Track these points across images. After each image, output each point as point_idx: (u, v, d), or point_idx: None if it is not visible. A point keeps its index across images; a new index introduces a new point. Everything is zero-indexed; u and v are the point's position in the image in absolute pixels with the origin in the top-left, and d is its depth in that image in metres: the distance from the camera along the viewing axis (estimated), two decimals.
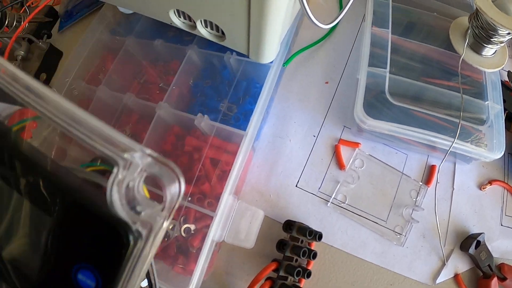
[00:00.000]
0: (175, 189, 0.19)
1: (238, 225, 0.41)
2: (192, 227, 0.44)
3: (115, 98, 0.49)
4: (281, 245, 0.42)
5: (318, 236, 0.43)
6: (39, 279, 0.22)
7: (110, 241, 0.19)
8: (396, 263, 0.45)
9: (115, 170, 0.18)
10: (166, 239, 0.44)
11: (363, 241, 0.45)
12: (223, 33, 0.43)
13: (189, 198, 0.42)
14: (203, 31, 0.44)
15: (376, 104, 0.45)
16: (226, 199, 0.39)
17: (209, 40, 0.45)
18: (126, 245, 0.18)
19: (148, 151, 0.19)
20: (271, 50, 0.42)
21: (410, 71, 0.48)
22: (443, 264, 0.45)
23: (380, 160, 0.48)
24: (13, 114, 0.25)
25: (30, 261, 0.22)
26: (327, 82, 0.53)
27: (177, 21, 0.44)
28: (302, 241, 0.43)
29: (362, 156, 0.48)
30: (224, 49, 0.47)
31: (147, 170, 0.19)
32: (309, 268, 0.42)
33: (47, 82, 0.60)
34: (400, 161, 0.48)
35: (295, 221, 0.43)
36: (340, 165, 0.47)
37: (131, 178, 0.18)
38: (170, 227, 0.44)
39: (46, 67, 0.62)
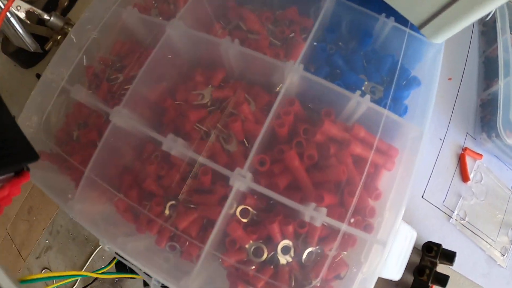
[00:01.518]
0: None
1: (397, 251, 0.33)
2: (314, 250, 0.34)
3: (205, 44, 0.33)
4: (421, 272, 0.36)
5: (450, 257, 0.38)
6: None
7: None
8: (496, 284, 0.44)
9: None
10: (272, 266, 0.33)
11: (475, 261, 0.43)
12: None
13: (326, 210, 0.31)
14: None
15: None
16: (399, 225, 0.30)
17: None
18: None
19: None
20: (454, 28, 0.33)
21: None
22: None
23: (495, 176, 0.45)
24: None
25: None
26: (450, 79, 0.47)
27: None
28: (435, 265, 0.38)
29: (482, 169, 0.45)
30: (379, 9, 0.36)
31: None
32: None
33: None
34: (509, 179, 0.47)
35: (436, 243, 0.37)
36: (464, 178, 0.43)
37: None
38: (280, 247, 0.33)
39: None
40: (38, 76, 0.52)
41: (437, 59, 0.36)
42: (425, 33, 0.34)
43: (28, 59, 0.52)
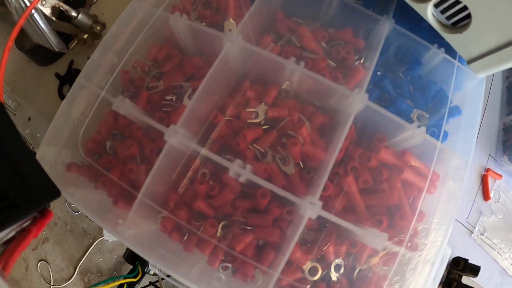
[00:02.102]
0: None
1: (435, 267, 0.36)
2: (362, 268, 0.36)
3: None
4: (450, 285, 0.40)
5: (475, 270, 0.42)
6: None
7: None
8: None
9: None
10: (324, 283, 0.35)
11: (491, 274, 0.47)
12: (458, 23, 0.33)
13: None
14: (429, 13, 0.33)
15: None
16: (445, 246, 0.33)
17: (412, 17, 0.35)
18: None
19: None
20: (500, 67, 0.36)
21: None
22: None
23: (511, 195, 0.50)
24: None
25: None
26: None
27: None
28: (460, 278, 0.41)
29: (501, 188, 0.49)
30: (431, 39, 0.38)
31: None
32: None
33: None
34: None
35: (463, 258, 0.41)
36: (486, 196, 0.47)
37: None
38: (333, 266, 0.35)
39: None
40: (58, 76, 0.48)
41: (479, 91, 0.39)
42: (473, 68, 0.37)
43: (45, 57, 0.48)
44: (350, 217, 0.35)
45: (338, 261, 0.35)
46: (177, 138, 0.33)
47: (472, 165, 0.47)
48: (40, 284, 1.06)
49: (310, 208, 0.30)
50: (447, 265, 0.43)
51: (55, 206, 0.96)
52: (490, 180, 0.48)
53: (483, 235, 0.47)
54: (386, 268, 0.37)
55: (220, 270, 0.35)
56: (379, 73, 0.40)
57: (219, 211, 0.36)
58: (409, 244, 0.36)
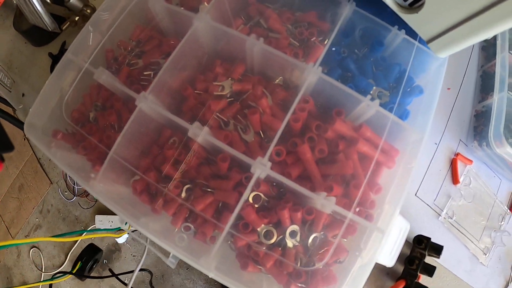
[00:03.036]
0: None
1: (391, 240, 0.38)
2: (318, 235, 0.38)
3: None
4: (412, 262, 0.41)
5: (438, 250, 0.44)
6: None
7: None
8: (478, 281, 0.50)
9: None
10: (280, 249, 0.37)
11: (459, 258, 0.48)
12: (416, 3, 0.36)
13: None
14: None
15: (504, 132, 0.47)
16: (396, 216, 0.35)
17: (377, 1, 0.38)
18: None
19: None
20: (459, 46, 0.38)
21: None
22: (507, 285, 0.53)
23: (483, 181, 0.51)
24: None
25: None
26: (449, 89, 0.52)
27: None
28: (423, 257, 0.43)
29: (471, 174, 0.50)
30: (392, 20, 0.41)
31: None
32: (419, 280, 0.43)
33: None
34: (495, 185, 0.53)
35: (426, 237, 0.43)
36: (455, 180, 0.49)
37: None
38: (289, 232, 0.37)
39: None
40: (51, 55, 0.54)
41: (440, 72, 0.41)
42: (433, 48, 0.39)
43: (41, 38, 0.54)
44: (305, 184, 0.37)
45: (293, 227, 0.38)
46: (147, 104, 0.37)
47: (442, 149, 0.49)
48: (31, 270, 1.11)
49: (260, 168, 0.33)
50: (412, 245, 0.44)
51: (48, 193, 1.01)
52: (460, 165, 0.50)
53: (451, 218, 0.48)
54: (343, 239, 0.39)
55: (182, 230, 0.38)
56: (344, 54, 0.43)
57: (185, 175, 0.39)
58: (365, 215, 0.38)
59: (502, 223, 0.53)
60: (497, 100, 0.47)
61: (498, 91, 0.47)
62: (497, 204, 0.52)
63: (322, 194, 0.34)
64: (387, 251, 0.39)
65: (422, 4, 0.36)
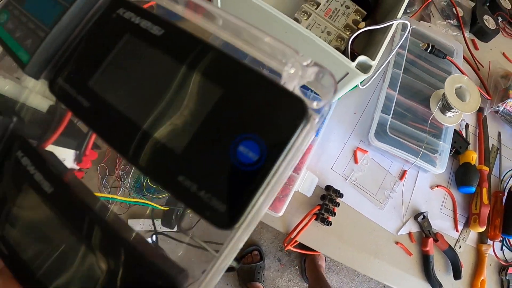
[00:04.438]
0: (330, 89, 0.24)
1: (306, 182, 0.86)
2: None
3: None
4: (323, 197, 0.88)
5: (340, 194, 0.88)
6: (185, 153, 0.23)
7: (285, 113, 0.20)
8: (378, 218, 0.91)
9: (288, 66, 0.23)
10: None
11: (363, 204, 0.91)
12: None
13: None
14: None
15: (381, 133, 0.91)
16: (305, 171, 0.84)
17: None
18: (301, 117, 0.20)
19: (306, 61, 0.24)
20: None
21: (402, 117, 0.95)
22: (403, 225, 0.92)
23: (377, 162, 0.94)
24: None
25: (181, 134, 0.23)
26: (355, 113, 0.98)
27: None
28: (332, 196, 0.88)
29: (368, 158, 0.94)
30: None
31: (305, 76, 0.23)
32: (335, 210, 0.88)
33: None
34: (387, 165, 0.95)
35: (331, 186, 0.89)
36: (356, 161, 0.93)
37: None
38: None
39: None
40: None
41: (333, 106, 0.90)
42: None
43: None
44: None
45: None
46: None
47: (348, 145, 0.95)
48: None
49: None
50: (324, 190, 0.89)
51: None
52: (360, 154, 0.94)
53: (355, 182, 0.92)
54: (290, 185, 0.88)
55: None
56: None
57: None
58: (296, 172, 0.87)
59: (394, 186, 0.93)
60: (376, 117, 0.92)
61: (375, 113, 0.93)
62: (389, 175, 0.94)
63: None
64: (306, 187, 0.86)
65: None
